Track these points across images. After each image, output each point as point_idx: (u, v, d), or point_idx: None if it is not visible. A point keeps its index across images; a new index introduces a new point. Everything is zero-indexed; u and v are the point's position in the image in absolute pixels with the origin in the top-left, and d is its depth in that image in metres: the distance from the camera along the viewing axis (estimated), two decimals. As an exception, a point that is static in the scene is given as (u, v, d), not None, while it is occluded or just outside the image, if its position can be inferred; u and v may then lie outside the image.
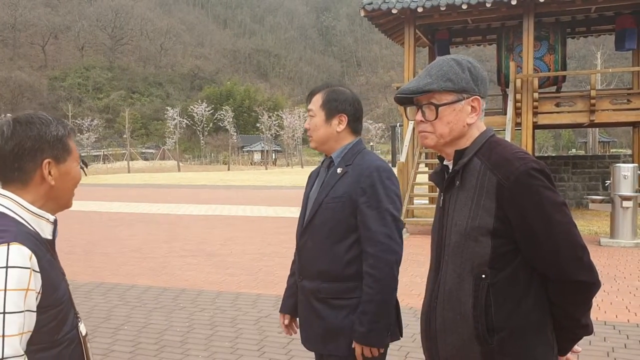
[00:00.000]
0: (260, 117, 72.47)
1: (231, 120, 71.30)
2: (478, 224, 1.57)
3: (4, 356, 1.37)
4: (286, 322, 2.57)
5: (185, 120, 68.60)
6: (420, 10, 12.18)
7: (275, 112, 74.39)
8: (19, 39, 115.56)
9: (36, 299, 1.45)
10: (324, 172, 2.42)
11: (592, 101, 11.95)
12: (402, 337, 2.37)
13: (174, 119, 67.45)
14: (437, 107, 1.64)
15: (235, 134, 73.96)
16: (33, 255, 1.45)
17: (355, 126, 2.40)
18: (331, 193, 2.30)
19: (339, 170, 2.33)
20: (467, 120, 1.65)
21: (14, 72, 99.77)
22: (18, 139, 1.54)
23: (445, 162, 1.75)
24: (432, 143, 1.70)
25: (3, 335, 1.37)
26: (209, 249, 9.51)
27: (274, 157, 77.97)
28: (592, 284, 1.58)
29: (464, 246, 1.60)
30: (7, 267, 1.40)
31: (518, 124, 12.44)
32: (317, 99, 2.38)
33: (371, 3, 12.41)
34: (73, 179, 1.65)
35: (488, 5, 11.72)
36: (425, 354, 1.78)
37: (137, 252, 9.26)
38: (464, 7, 11.90)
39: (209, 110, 72.28)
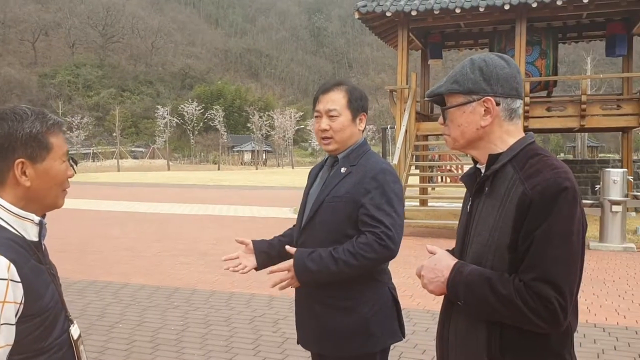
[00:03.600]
0: (251, 117, 72.37)
1: (221, 119, 71.15)
2: (498, 236, 1.47)
3: None
4: (241, 250, 2.50)
5: (175, 119, 68.47)
6: (414, 13, 12.23)
7: (266, 112, 74.30)
8: (8, 35, 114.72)
9: (16, 310, 1.36)
10: (326, 171, 2.36)
11: (583, 106, 12.05)
12: (404, 338, 2.35)
13: (164, 117, 67.32)
14: (447, 109, 1.62)
15: (225, 133, 73.82)
16: (12, 265, 1.35)
17: (365, 124, 2.35)
18: (333, 192, 2.24)
19: (342, 169, 2.27)
20: (480, 123, 1.56)
21: (3, 69, 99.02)
22: None
23: (478, 165, 1.66)
24: (449, 146, 1.67)
25: None
26: (201, 248, 9.51)
27: (264, 157, 77.87)
28: (547, 326, 1.41)
29: (483, 258, 1.51)
30: None
31: (509, 128, 12.51)
32: (339, 98, 2.27)
33: (365, 5, 12.45)
34: (54, 179, 1.48)
35: (481, 9, 11.80)
36: (437, 355, 1.75)
37: (129, 250, 9.25)
38: (458, 11, 11.96)
39: (199, 110, 72.11)
